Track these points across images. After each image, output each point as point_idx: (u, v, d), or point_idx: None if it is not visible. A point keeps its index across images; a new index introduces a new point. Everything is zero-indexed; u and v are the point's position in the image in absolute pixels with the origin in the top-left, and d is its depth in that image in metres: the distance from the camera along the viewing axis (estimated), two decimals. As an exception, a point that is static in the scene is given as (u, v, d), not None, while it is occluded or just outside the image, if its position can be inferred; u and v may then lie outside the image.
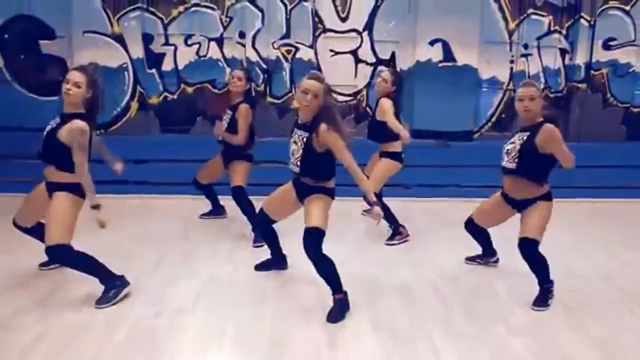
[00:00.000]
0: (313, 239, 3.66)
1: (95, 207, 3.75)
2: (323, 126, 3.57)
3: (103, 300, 3.75)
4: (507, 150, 4.00)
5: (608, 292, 4.25)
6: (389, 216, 5.18)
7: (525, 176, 3.96)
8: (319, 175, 3.77)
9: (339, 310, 3.68)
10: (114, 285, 3.81)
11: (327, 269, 3.68)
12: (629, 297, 4.16)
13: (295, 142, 3.74)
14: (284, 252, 4.49)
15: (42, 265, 4.34)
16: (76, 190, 3.75)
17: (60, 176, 3.77)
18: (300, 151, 3.69)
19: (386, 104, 5.02)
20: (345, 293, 3.74)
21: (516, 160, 3.93)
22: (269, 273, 4.42)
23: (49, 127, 3.79)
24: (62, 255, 3.73)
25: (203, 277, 4.30)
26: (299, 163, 3.72)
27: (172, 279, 4.25)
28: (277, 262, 4.46)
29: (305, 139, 3.67)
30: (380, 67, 6.70)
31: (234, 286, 4.17)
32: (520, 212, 4.09)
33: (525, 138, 3.89)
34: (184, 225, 5.62)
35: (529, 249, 3.89)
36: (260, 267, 4.46)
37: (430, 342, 3.41)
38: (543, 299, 3.93)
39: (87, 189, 3.72)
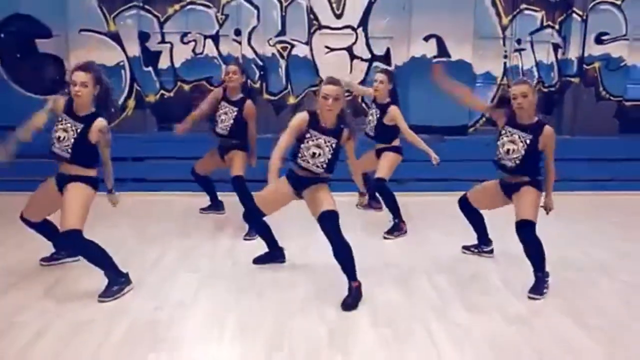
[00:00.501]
0: (334, 220, 3.81)
1: (111, 191, 4.14)
2: (349, 134, 3.94)
3: (106, 294, 3.79)
4: (508, 150, 4.08)
5: (605, 282, 4.31)
6: (395, 209, 5.30)
7: (524, 174, 4.11)
8: (333, 170, 4.01)
9: (354, 299, 3.77)
10: (117, 282, 3.86)
11: (346, 253, 3.79)
12: (625, 287, 4.22)
13: (319, 146, 3.89)
14: (281, 245, 4.55)
15: (43, 260, 4.39)
16: (91, 182, 3.90)
17: (77, 169, 3.88)
18: (329, 156, 3.90)
19: (396, 112, 5.26)
20: (360, 282, 3.84)
21: (517, 162, 4.06)
22: (268, 266, 4.47)
23: (72, 134, 3.81)
24: (75, 240, 3.78)
25: (203, 272, 4.35)
26: (325, 165, 3.92)
27: (172, 274, 4.30)
28: (275, 255, 4.51)
29: (334, 145, 3.90)
30: (375, 65, 6.76)
31: (234, 280, 4.21)
32: (510, 198, 4.23)
33: (528, 142, 4.01)
34: (183, 222, 5.67)
35: (526, 230, 3.99)
36: (258, 260, 4.51)
37: (427, 332, 3.46)
38: (538, 289, 3.99)
39: (109, 179, 4.09)
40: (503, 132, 4.15)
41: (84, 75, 3.75)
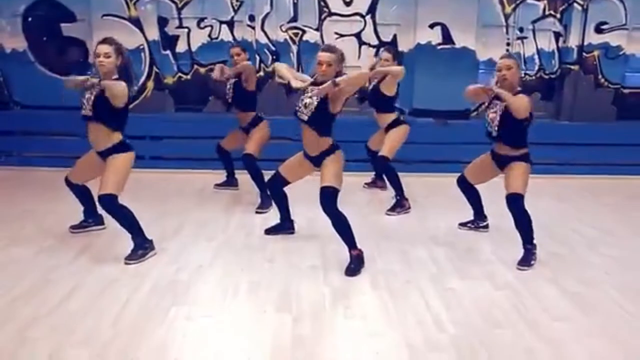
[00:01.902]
0: (329, 196, 4.09)
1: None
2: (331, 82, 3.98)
3: (132, 257, 4.17)
4: (492, 118, 4.40)
5: (590, 257, 4.57)
6: (398, 186, 5.60)
7: (504, 142, 4.40)
8: (321, 123, 4.17)
9: (356, 265, 4.11)
10: (142, 247, 4.24)
11: (342, 224, 4.11)
12: (608, 260, 4.50)
13: (310, 97, 4.11)
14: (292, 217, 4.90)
15: (73, 228, 4.77)
16: (126, 148, 4.25)
17: (109, 140, 4.22)
18: (315, 103, 4.09)
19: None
20: (360, 250, 4.16)
21: (497, 128, 4.36)
22: (278, 237, 4.82)
23: (94, 93, 4.13)
24: (111, 204, 4.17)
25: (218, 241, 4.71)
26: (308, 113, 4.12)
27: (190, 243, 4.66)
28: (285, 226, 4.87)
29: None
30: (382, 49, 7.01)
31: (247, 248, 4.57)
32: (503, 171, 4.53)
33: (503, 107, 4.30)
34: (199, 197, 6.02)
35: (514, 202, 4.29)
36: (270, 231, 4.87)
37: (422, 295, 3.78)
38: (526, 260, 4.29)
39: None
40: (490, 105, 4.46)
41: (106, 47, 4.09)
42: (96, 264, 4.15)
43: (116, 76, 4.15)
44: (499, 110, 4.34)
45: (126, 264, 4.14)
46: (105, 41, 4.14)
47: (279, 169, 4.60)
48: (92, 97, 4.14)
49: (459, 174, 5.02)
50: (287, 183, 4.62)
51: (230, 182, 6.25)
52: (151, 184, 6.34)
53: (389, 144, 5.60)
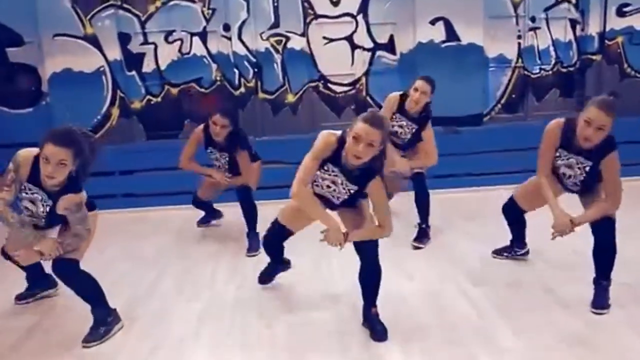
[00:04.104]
0: (376, 247, 3.29)
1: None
2: (375, 182, 3.16)
3: (92, 337, 3.27)
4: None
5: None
6: (427, 212, 4.82)
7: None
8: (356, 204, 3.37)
9: (383, 325, 3.27)
10: (104, 322, 3.34)
11: (377, 278, 3.31)
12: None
13: (334, 183, 3.24)
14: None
15: (18, 299, 3.86)
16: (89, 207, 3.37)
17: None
18: (345, 197, 3.28)
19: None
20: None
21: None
22: (277, 289, 3.95)
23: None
24: (70, 271, 3.27)
25: (204, 300, 3.84)
26: (338, 199, 3.31)
27: (169, 305, 3.79)
28: (280, 269, 3.96)
29: (353, 191, 3.24)
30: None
31: (240, 308, 3.70)
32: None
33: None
34: (179, 239, 5.20)
35: (607, 230, 3.52)
36: (264, 278, 3.97)
37: (474, 363, 2.95)
38: (603, 299, 3.47)
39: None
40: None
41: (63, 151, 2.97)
42: (47, 352, 3.23)
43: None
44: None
45: (84, 347, 3.23)
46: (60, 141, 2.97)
47: (279, 218, 3.63)
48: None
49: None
50: (291, 234, 3.67)
51: (213, 214, 5.46)
52: (121, 226, 5.51)
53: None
